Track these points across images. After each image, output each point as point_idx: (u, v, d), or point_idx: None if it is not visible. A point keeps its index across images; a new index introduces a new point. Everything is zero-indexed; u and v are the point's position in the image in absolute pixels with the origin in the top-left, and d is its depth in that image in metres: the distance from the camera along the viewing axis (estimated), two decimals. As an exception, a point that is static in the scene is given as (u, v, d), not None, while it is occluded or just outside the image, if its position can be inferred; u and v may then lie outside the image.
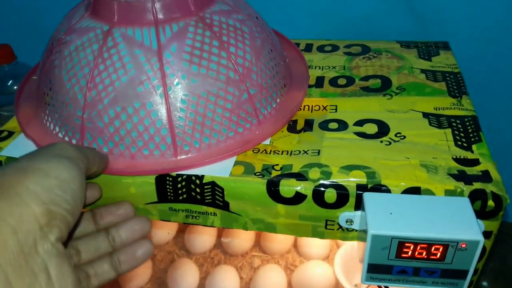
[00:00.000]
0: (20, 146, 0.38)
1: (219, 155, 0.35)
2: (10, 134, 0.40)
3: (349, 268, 0.57)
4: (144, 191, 0.35)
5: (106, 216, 0.35)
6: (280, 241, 0.62)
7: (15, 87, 0.70)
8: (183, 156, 0.35)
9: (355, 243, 0.58)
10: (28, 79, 0.46)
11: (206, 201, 0.34)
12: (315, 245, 0.61)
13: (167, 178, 0.34)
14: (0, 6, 0.73)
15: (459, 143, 0.35)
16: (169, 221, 0.37)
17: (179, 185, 0.34)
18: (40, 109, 0.40)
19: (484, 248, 0.31)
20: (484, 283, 0.58)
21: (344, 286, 0.54)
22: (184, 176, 0.34)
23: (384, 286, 0.34)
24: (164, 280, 0.60)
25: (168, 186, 0.34)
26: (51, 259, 0.24)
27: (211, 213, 0.35)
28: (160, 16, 0.35)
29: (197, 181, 0.34)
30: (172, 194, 0.35)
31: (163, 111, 0.34)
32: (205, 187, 0.34)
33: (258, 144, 0.37)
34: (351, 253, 0.58)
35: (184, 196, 0.35)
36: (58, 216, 0.25)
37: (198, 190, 0.34)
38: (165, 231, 0.64)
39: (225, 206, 0.34)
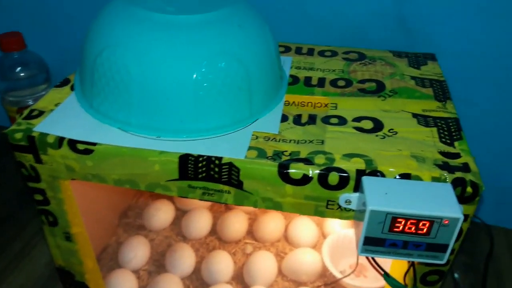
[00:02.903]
0: (50, 123, 0.42)
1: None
2: (41, 113, 0.43)
3: (335, 256, 0.62)
4: (167, 168, 0.39)
5: None
6: (271, 231, 0.67)
7: (22, 74, 0.72)
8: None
9: (341, 234, 0.63)
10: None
11: (223, 179, 0.39)
12: (303, 234, 0.66)
13: (189, 158, 0.38)
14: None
15: (443, 139, 0.41)
16: (187, 197, 0.41)
17: (200, 164, 0.38)
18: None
19: (461, 230, 0.37)
20: (456, 275, 0.64)
21: (331, 271, 0.59)
22: (205, 157, 0.38)
23: (373, 259, 0.39)
24: (162, 262, 0.64)
25: (189, 165, 0.39)
26: None
27: (226, 191, 0.39)
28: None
29: (217, 161, 0.38)
30: (192, 172, 0.39)
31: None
32: (223, 167, 0.38)
33: (269, 133, 0.41)
34: (337, 242, 0.64)
35: (204, 174, 0.39)
36: None
37: (216, 169, 0.38)
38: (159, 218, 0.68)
39: (239, 185, 0.39)
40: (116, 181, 0.41)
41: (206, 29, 0.40)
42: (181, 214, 0.70)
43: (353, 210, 0.38)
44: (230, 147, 0.39)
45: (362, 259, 0.48)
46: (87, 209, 0.48)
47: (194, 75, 0.39)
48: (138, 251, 0.64)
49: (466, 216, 0.37)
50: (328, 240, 0.64)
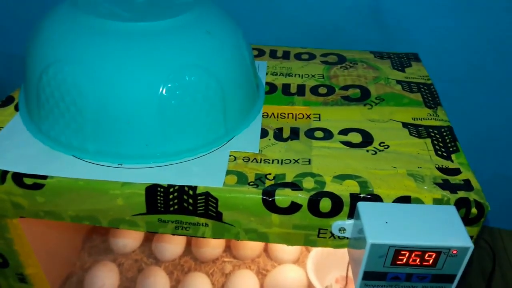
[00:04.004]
0: None
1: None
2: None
3: (320, 271, 0.58)
4: (133, 202, 0.34)
5: None
6: (250, 246, 0.63)
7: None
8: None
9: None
10: None
11: (198, 212, 0.34)
12: (286, 249, 0.62)
13: (158, 189, 0.33)
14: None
15: (439, 152, 0.37)
16: (157, 232, 0.35)
17: (171, 196, 0.33)
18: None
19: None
20: None
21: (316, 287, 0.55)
22: (176, 187, 0.33)
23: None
24: (132, 289, 0.58)
25: (158, 197, 0.33)
26: None
27: (202, 224, 0.34)
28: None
29: (190, 192, 0.33)
30: (162, 205, 0.34)
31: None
32: (199, 198, 0.33)
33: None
34: (322, 256, 0.60)
35: (176, 207, 0.34)
36: None
37: (190, 201, 0.33)
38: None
39: (218, 217, 0.34)
40: (73, 217, 0.36)
41: (170, 38, 0.35)
42: (151, 233, 0.64)
43: (347, 238, 0.34)
44: (205, 173, 0.34)
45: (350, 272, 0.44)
46: (42, 246, 0.42)
47: (159, 92, 0.34)
48: (106, 280, 0.58)
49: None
50: (312, 254, 0.60)
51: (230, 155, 0.36)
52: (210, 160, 0.36)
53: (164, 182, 0.33)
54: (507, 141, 0.68)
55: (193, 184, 0.33)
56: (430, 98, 0.44)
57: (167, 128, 0.35)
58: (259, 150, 0.37)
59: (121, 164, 0.35)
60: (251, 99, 0.42)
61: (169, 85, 0.34)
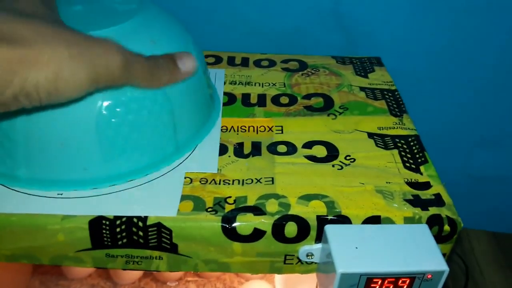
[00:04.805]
0: None
1: (163, 190, 0.31)
2: None
3: (289, 285, 0.56)
4: (75, 237, 0.30)
5: None
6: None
7: None
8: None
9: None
10: None
11: (150, 244, 0.30)
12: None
13: (103, 222, 0.29)
14: None
15: (407, 164, 0.35)
16: (106, 268, 0.32)
17: (118, 229, 0.30)
18: None
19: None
20: None
21: (287, 305, 0.53)
22: (124, 219, 0.29)
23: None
24: (89, 319, 0.54)
25: (104, 231, 0.29)
26: None
27: (156, 257, 0.31)
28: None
29: (140, 223, 0.29)
30: (109, 240, 0.30)
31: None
32: (150, 229, 0.30)
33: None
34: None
35: (124, 241, 0.30)
36: None
37: (140, 233, 0.30)
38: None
39: (173, 249, 0.30)
40: (8, 257, 0.31)
41: None
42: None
43: (316, 263, 0.32)
44: (156, 199, 0.31)
45: None
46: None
47: (96, 109, 0.30)
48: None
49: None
50: (280, 269, 0.57)
51: (185, 177, 0.33)
52: (162, 183, 0.33)
53: (109, 213, 0.29)
54: (468, 140, 0.68)
55: (142, 215, 0.30)
56: (395, 106, 0.42)
57: (107, 149, 0.31)
58: (218, 169, 0.34)
59: (61, 194, 0.31)
60: (205, 112, 0.39)
61: (109, 102, 0.30)
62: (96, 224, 0.29)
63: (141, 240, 0.30)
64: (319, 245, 0.31)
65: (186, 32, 0.37)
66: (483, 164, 0.69)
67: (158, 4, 0.37)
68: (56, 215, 0.29)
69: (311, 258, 0.31)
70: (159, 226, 0.29)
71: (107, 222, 0.29)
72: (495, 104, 0.63)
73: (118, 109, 0.30)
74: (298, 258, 0.31)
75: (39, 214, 0.29)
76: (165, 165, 0.34)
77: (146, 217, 0.29)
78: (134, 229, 0.29)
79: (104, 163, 0.31)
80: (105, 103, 0.30)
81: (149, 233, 0.30)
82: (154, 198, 0.31)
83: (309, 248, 0.31)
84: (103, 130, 0.30)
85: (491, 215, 0.73)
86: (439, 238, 0.31)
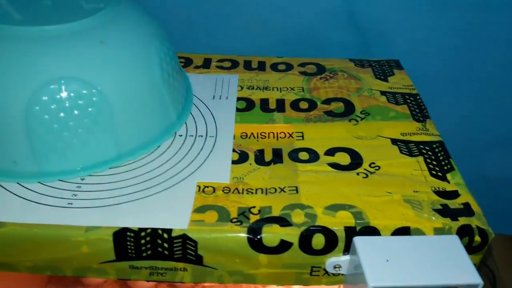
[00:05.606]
0: None
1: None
2: None
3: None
4: (99, 249, 0.29)
5: None
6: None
7: None
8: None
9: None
10: None
11: (175, 256, 0.30)
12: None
13: (128, 233, 0.29)
14: None
15: (434, 172, 0.35)
16: (129, 279, 0.31)
17: (143, 241, 0.29)
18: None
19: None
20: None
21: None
22: (149, 230, 0.29)
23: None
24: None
25: (129, 243, 0.29)
26: None
27: (180, 268, 0.31)
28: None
29: (165, 235, 0.29)
30: (133, 251, 0.29)
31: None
32: (175, 241, 0.29)
33: (228, 184, 0.33)
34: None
35: (149, 252, 0.30)
36: None
37: (165, 245, 0.29)
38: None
39: (198, 261, 0.30)
40: (30, 268, 0.31)
41: (54, 46, 0.31)
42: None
43: (342, 274, 0.31)
44: (167, 210, 0.30)
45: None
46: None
47: (27, 103, 0.29)
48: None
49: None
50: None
51: (207, 186, 0.33)
52: (173, 193, 0.32)
53: (134, 224, 0.29)
54: (483, 140, 0.67)
55: (167, 227, 0.29)
56: (417, 111, 0.42)
57: (37, 144, 0.31)
58: (240, 178, 0.34)
59: (71, 203, 0.30)
60: (161, 118, 0.37)
61: (45, 98, 0.30)
62: (121, 235, 0.29)
63: (166, 252, 0.29)
64: (347, 257, 0.30)
65: (155, 34, 0.36)
66: (497, 165, 0.68)
67: (158, 6, 0.36)
68: (80, 226, 0.29)
69: (339, 270, 0.30)
70: (184, 237, 0.29)
71: (132, 234, 0.29)
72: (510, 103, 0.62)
73: (52, 106, 0.30)
74: (324, 269, 0.31)
75: (63, 225, 0.29)
76: (102, 170, 0.33)
77: (171, 229, 0.29)
78: (159, 241, 0.29)
79: (34, 159, 0.31)
80: (44, 98, 0.30)
81: (174, 245, 0.29)
82: (165, 209, 0.30)
83: (337, 260, 0.30)
84: (34, 125, 0.30)
85: (507, 218, 0.72)
86: (470, 249, 0.30)
